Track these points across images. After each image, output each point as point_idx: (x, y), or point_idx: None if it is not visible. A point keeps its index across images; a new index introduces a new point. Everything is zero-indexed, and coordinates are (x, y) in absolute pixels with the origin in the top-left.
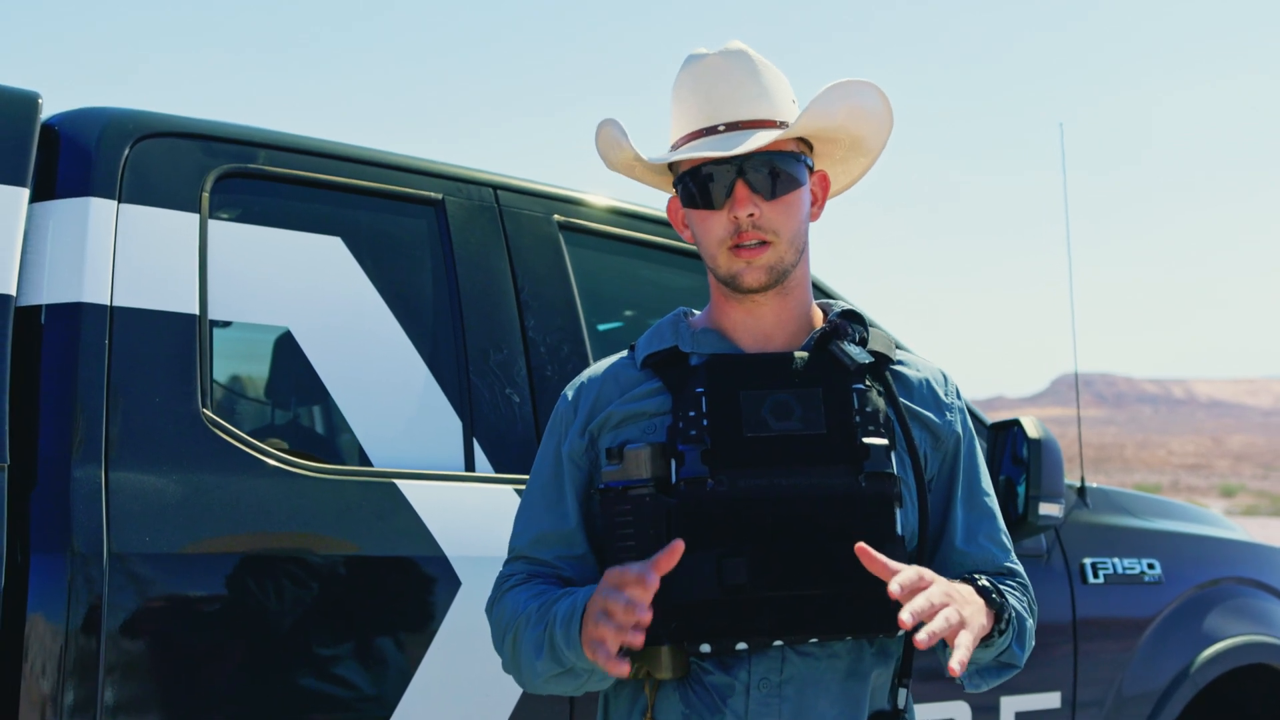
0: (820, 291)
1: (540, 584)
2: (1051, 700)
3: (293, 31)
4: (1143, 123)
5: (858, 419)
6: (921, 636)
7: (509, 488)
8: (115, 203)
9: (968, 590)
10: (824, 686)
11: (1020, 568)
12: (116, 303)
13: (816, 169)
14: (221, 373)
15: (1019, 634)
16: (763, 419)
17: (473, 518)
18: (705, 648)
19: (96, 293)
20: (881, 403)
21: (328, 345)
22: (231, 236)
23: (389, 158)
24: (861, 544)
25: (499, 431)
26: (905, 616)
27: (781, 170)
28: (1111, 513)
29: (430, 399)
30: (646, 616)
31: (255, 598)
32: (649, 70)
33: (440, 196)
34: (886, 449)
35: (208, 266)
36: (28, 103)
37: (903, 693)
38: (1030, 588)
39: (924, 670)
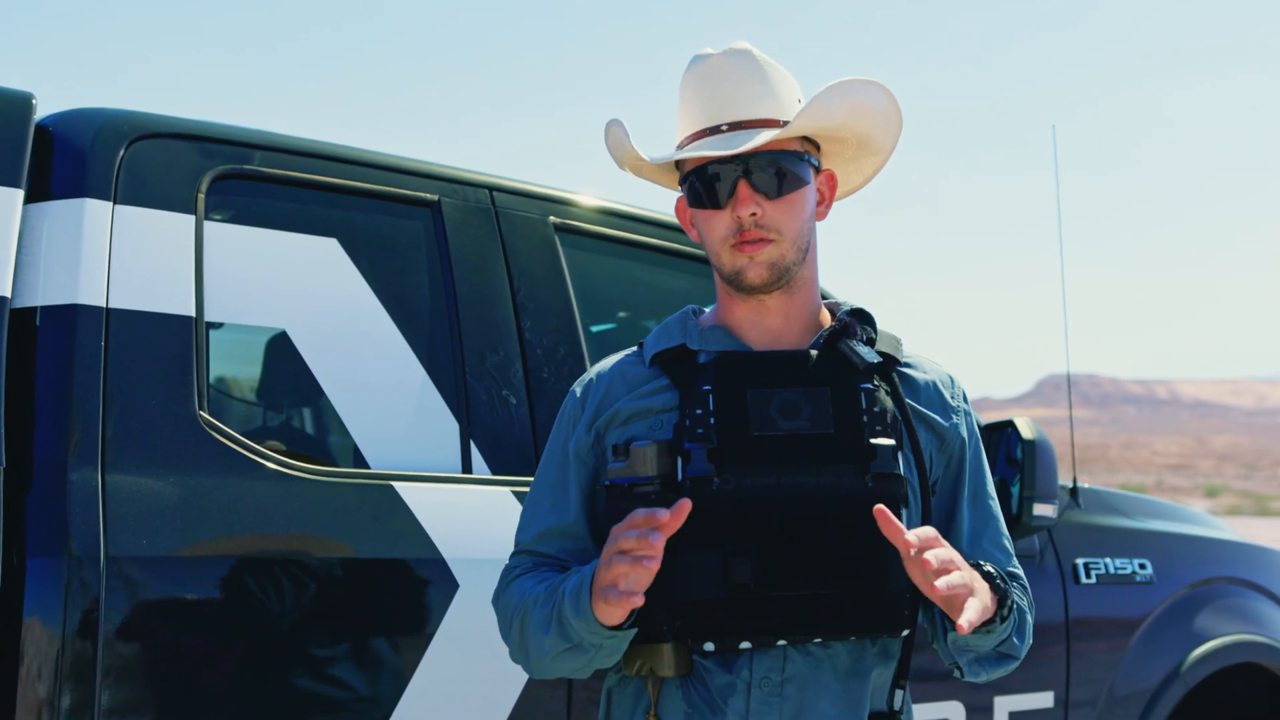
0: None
1: (546, 572)
2: (1044, 700)
3: (288, 32)
4: (1128, 126)
5: (865, 419)
6: (940, 583)
7: (506, 490)
8: (110, 204)
9: (975, 573)
10: (825, 686)
11: (1021, 572)
12: (112, 305)
13: (824, 168)
14: (218, 375)
15: (1019, 626)
16: (770, 418)
17: (470, 520)
18: (709, 646)
19: (92, 294)
20: (889, 403)
21: (324, 347)
22: (227, 238)
23: (384, 159)
24: (880, 506)
25: (496, 433)
26: (930, 558)
27: (785, 169)
28: (1103, 513)
29: (427, 401)
30: (659, 544)
31: (253, 600)
32: (647, 71)
33: (436, 198)
34: (893, 449)
35: (203, 268)
36: (22, 103)
37: (900, 694)
38: (1029, 590)
39: (919, 670)
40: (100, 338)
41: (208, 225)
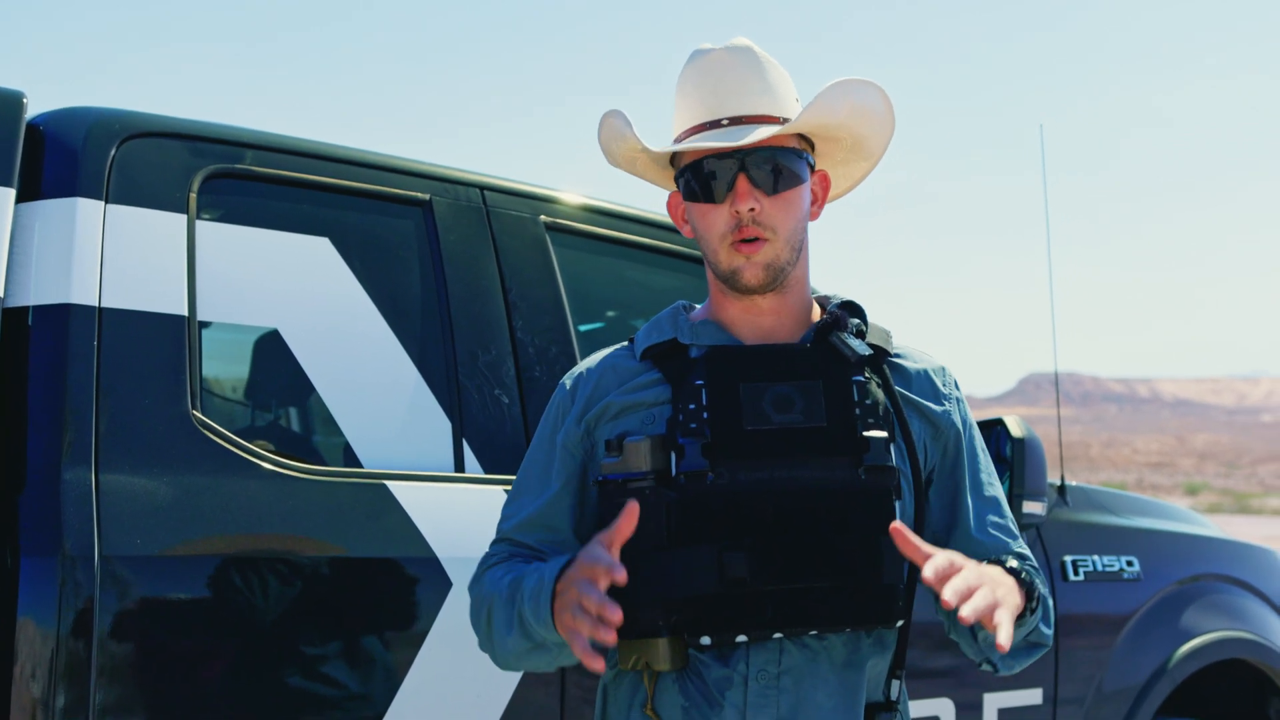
0: None
1: (519, 563)
2: (1033, 697)
3: (280, 31)
4: (1107, 127)
5: (858, 412)
6: (966, 612)
7: (499, 488)
8: (102, 203)
9: (997, 572)
10: (821, 677)
11: (1028, 551)
12: (105, 304)
13: (818, 169)
14: (210, 374)
15: (1045, 612)
16: (763, 411)
17: (463, 518)
18: (705, 640)
19: (84, 294)
20: (881, 395)
21: (316, 346)
22: (219, 237)
23: (376, 158)
24: (897, 524)
25: (488, 432)
26: (949, 596)
27: (783, 166)
28: (1091, 511)
29: (419, 400)
30: (617, 616)
31: (246, 599)
32: (637, 70)
33: (427, 197)
34: (886, 441)
35: (196, 267)
36: (12, 102)
37: (896, 684)
38: (1040, 570)
39: (909, 668)
40: (93, 337)
41: (200, 224)
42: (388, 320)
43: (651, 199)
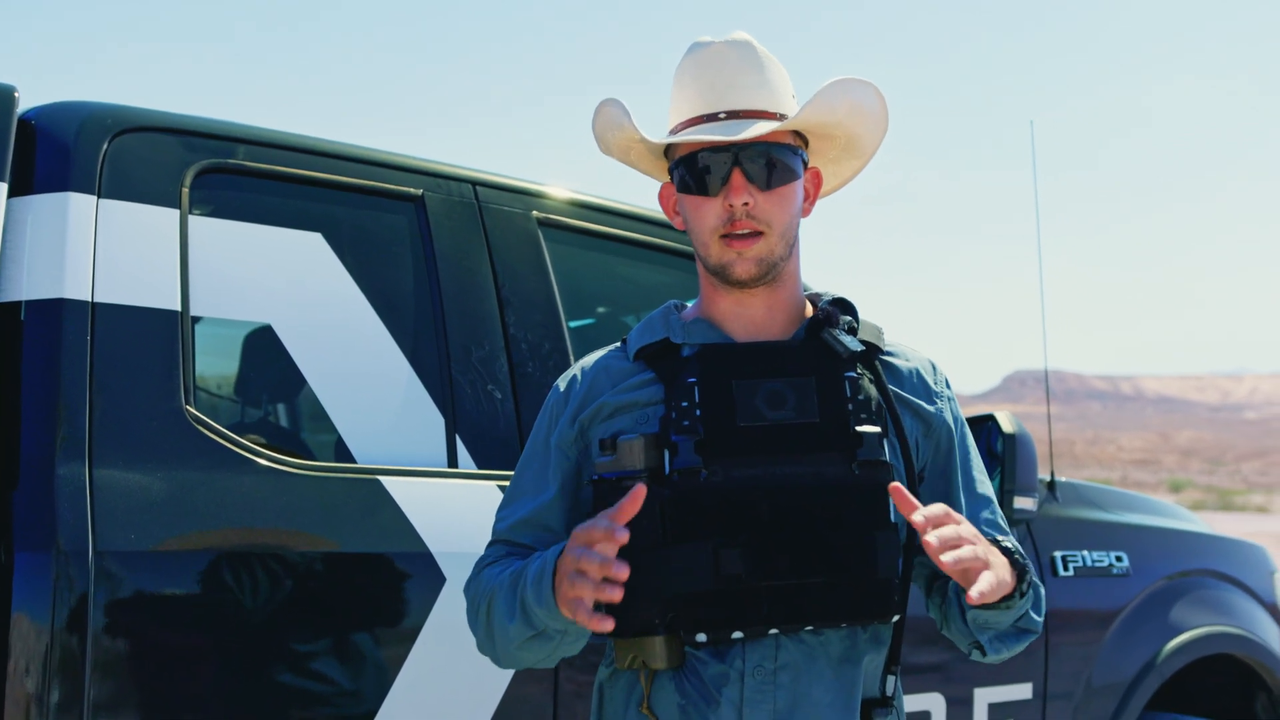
0: None
1: (517, 561)
2: (1023, 691)
3: (273, 26)
4: (1092, 125)
5: (851, 407)
6: (946, 558)
7: (492, 484)
8: (95, 198)
9: (993, 547)
10: (818, 673)
11: (1018, 545)
12: (98, 299)
13: (810, 165)
14: (204, 369)
15: (1036, 599)
16: (756, 408)
17: (456, 514)
18: (701, 637)
19: (77, 289)
20: (873, 391)
21: (309, 341)
22: (212, 232)
23: (369, 154)
24: (895, 484)
25: (481, 428)
26: (932, 539)
27: (778, 161)
28: (1081, 506)
29: (412, 395)
30: (623, 573)
31: (240, 595)
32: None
33: (420, 192)
34: (879, 437)
35: (189, 262)
36: (4, 97)
37: (891, 680)
38: (1031, 563)
39: (901, 663)
40: (86, 332)
41: (192, 219)
42: (380, 315)
43: (643, 195)
